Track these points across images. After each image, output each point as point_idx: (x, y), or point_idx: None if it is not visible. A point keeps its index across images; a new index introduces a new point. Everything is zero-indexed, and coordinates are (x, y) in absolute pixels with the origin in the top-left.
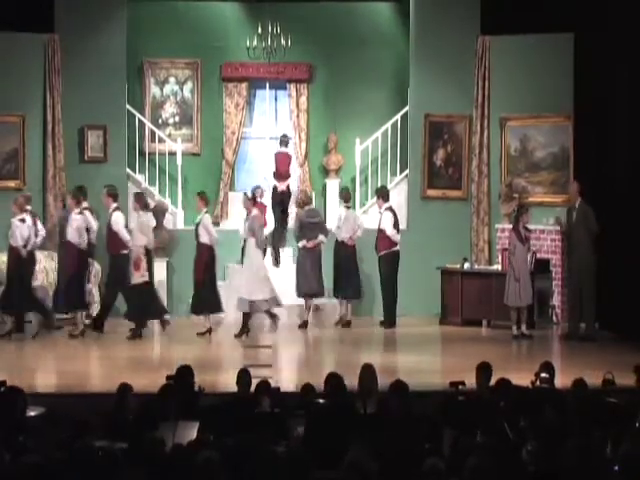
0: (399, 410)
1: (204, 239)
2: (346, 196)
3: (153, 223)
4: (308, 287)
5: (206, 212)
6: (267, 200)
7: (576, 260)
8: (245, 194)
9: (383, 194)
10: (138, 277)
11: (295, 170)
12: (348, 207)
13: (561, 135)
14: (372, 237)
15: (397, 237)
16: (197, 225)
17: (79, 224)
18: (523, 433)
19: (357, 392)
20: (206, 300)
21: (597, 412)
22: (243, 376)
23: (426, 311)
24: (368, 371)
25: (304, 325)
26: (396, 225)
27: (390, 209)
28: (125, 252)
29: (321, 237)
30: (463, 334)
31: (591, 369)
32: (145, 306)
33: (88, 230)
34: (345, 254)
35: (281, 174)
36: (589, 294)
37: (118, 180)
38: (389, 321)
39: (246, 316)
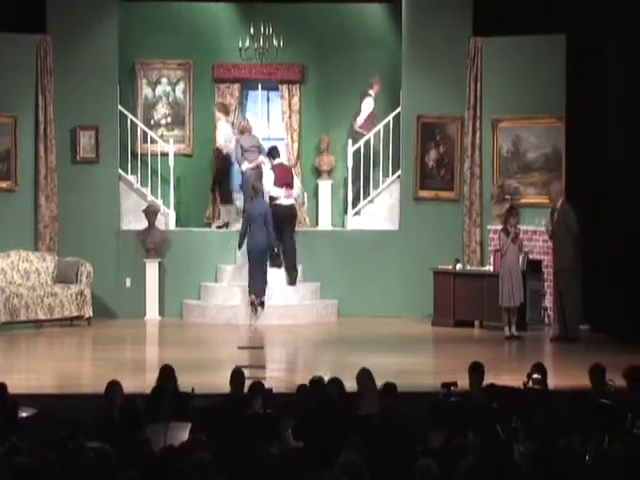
0: (391, 412)
1: None
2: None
3: None
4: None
5: None
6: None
7: (557, 260)
8: None
9: (270, 152)
10: None
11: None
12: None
13: (553, 136)
14: (367, 236)
15: (278, 191)
16: None
17: None
18: (515, 434)
19: (353, 394)
20: None
21: (591, 413)
22: (236, 377)
23: (418, 312)
24: (365, 377)
25: None
26: (283, 181)
27: (273, 168)
28: None
29: (261, 157)
30: (455, 335)
31: (581, 370)
32: None
33: None
34: None
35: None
36: (570, 294)
37: (110, 181)
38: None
39: None
